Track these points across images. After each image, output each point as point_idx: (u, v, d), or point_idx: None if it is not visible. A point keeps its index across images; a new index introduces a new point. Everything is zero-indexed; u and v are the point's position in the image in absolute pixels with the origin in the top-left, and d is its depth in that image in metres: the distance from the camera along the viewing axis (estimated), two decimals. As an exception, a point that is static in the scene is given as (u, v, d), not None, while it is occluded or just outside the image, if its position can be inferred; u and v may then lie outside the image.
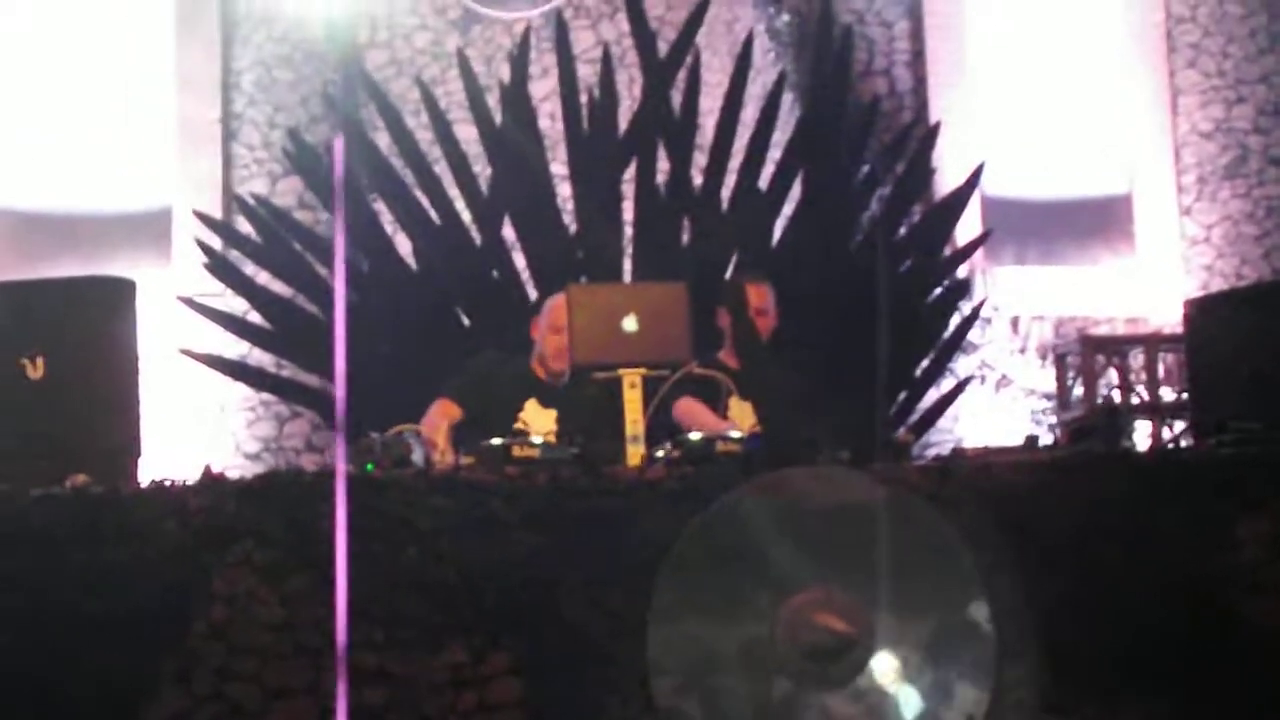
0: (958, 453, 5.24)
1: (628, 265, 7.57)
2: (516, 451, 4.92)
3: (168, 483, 4.77)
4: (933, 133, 8.14)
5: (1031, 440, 5.38)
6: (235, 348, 8.17)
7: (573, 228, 7.74)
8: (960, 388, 7.95)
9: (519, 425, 5.75)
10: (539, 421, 5.99)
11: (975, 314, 8.04)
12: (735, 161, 7.75)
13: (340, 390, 4.67)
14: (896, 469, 4.95)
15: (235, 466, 7.85)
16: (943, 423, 8.13)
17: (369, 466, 4.90)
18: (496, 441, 5.00)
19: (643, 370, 5.32)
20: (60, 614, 4.55)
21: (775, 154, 7.87)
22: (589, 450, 4.94)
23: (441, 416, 6.00)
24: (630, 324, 5.34)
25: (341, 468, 4.39)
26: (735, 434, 5.13)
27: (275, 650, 4.58)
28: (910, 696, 4.62)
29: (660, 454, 5.08)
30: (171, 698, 4.56)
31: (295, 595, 4.57)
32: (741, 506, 4.67)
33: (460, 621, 4.63)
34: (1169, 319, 8.74)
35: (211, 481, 4.77)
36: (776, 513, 4.68)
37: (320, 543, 4.55)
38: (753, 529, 4.66)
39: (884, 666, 4.62)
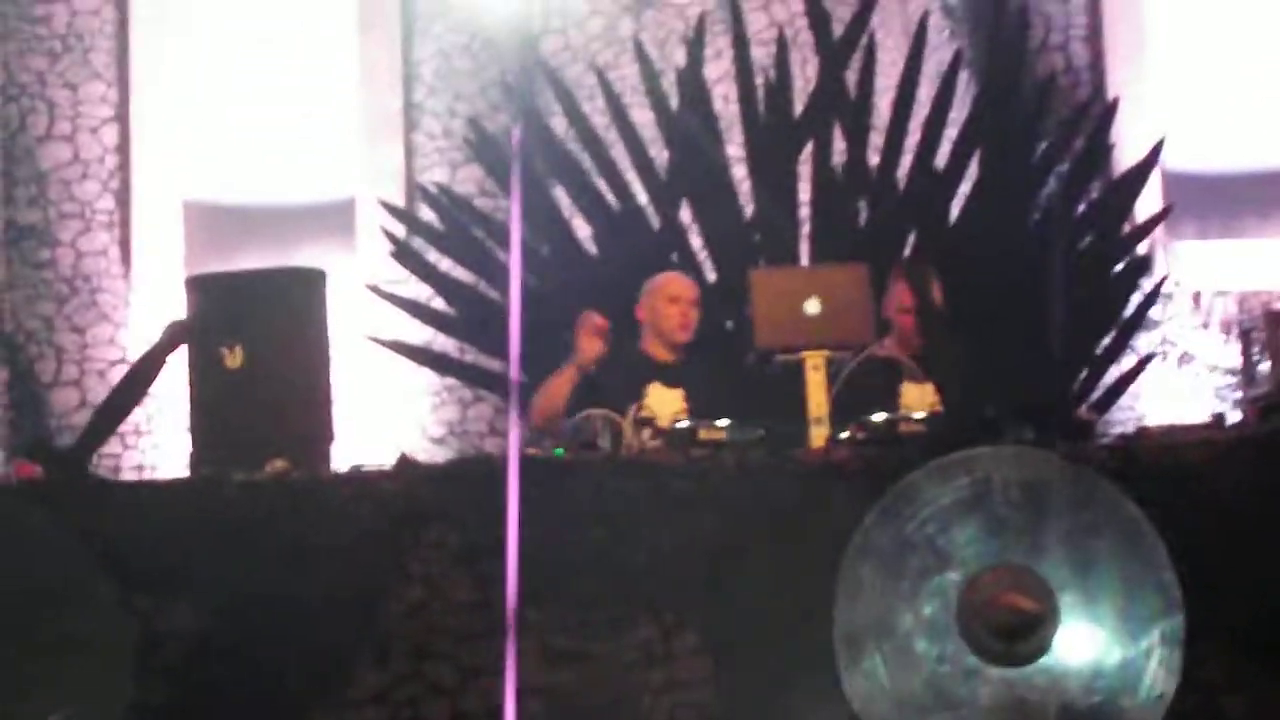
0: (1142, 431, 5.22)
1: (804, 248, 7.59)
2: (703, 434, 4.99)
3: (364, 468, 4.91)
4: (1111, 108, 8.07)
5: (1218, 417, 5.35)
6: (419, 334, 8.31)
7: (749, 211, 7.78)
8: (1142, 365, 7.88)
9: (645, 412, 5.52)
10: (665, 404, 5.81)
11: (1157, 290, 7.96)
12: (911, 141, 7.75)
13: (515, 371, 4.78)
14: (1081, 448, 4.94)
15: (421, 451, 7.98)
16: (1124, 401, 8.06)
17: (558, 451, 5.00)
18: (683, 424, 5.08)
19: (826, 352, 5.36)
20: (262, 596, 4.71)
21: (951, 133, 7.86)
22: (774, 432, 5.00)
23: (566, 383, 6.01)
24: (812, 306, 5.39)
25: (515, 449, 4.50)
26: (919, 414, 5.16)
27: (469, 630, 4.70)
28: (1098, 675, 4.64)
29: (844, 435, 5.11)
30: (370, 677, 4.71)
31: (488, 576, 4.67)
32: (926, 487, 4.72)
33: (649, 601, 4.72)
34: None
35: (405, 466, 4.90)
36: (961, 492, 4.72)
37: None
38: (938, 509, 4.71)
39: (1070, 645, 4.65)
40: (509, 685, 4.35)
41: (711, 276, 7.62)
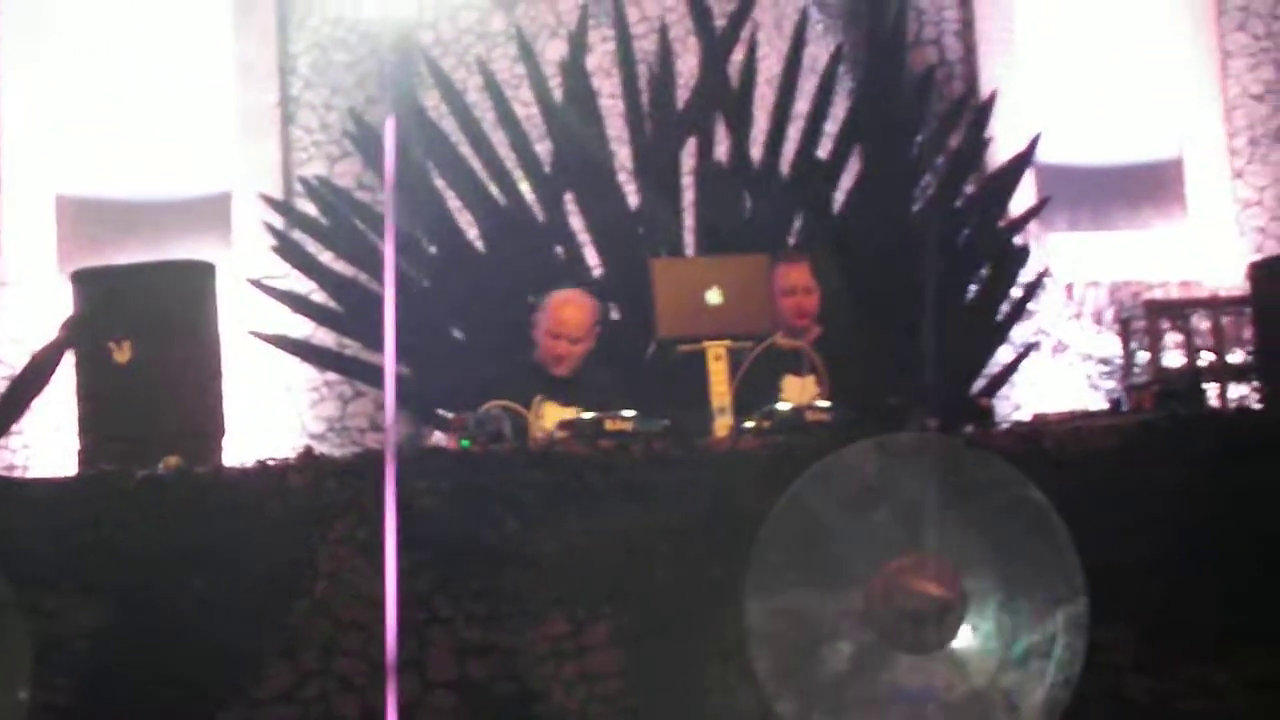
0: (1043, 417, 5.29)
1: (689, 240, 7.60)
2: (609, 425, 4.97)
3: (270, 462, 4.84)
4: (988, 103, 8.15)
5: (1114, 404, 5.43)
6: (299, 330, 8.22)
7: (633, 203, 7.77)
8: (1023, 355, 7.98)
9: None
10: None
11: (1036, 282, 8.06)
12: (791, 134, 7.78)
13: (390, 364, 4.74)
14: (984, 434, 5.00)
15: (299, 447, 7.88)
16: (1001, 391, 8.16)
17: (464, 443, 4.96)
18: (588, 415, 5.06)
19: (728, 342, 5.37)
20: (168, 592, 4.64)
21: (830, 127, 7.91)
22: (680, 422, 5.00)
23: None
24: (714, 296, 5.40)
25: (391, 441, 4.47)
26: (824, 403, 5.19)
27: (380, 625, 4.64)
28: (1005, 660, 4.69)
29: (749, 425, 5.12)
30: (278, 672, 4.64)
31: (398, 570, 4.62)
32: (833, 475, 4.73)
33: (560, 594, 4.70)
34: (1223, 282, 8.76)
35: (311, 460, 4.84)
36: (868, 480, 4.74)
37: (420, 518, 4.63)
38: (845, 497, 4.73)
39: (978, 630, 4.69)
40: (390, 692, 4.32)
41: (598, 270, 7.61)
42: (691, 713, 4.66)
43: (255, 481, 4.74)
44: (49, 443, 8.10)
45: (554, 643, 4.69)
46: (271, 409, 8.65)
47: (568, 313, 6.11)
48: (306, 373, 8.65)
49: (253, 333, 7.74)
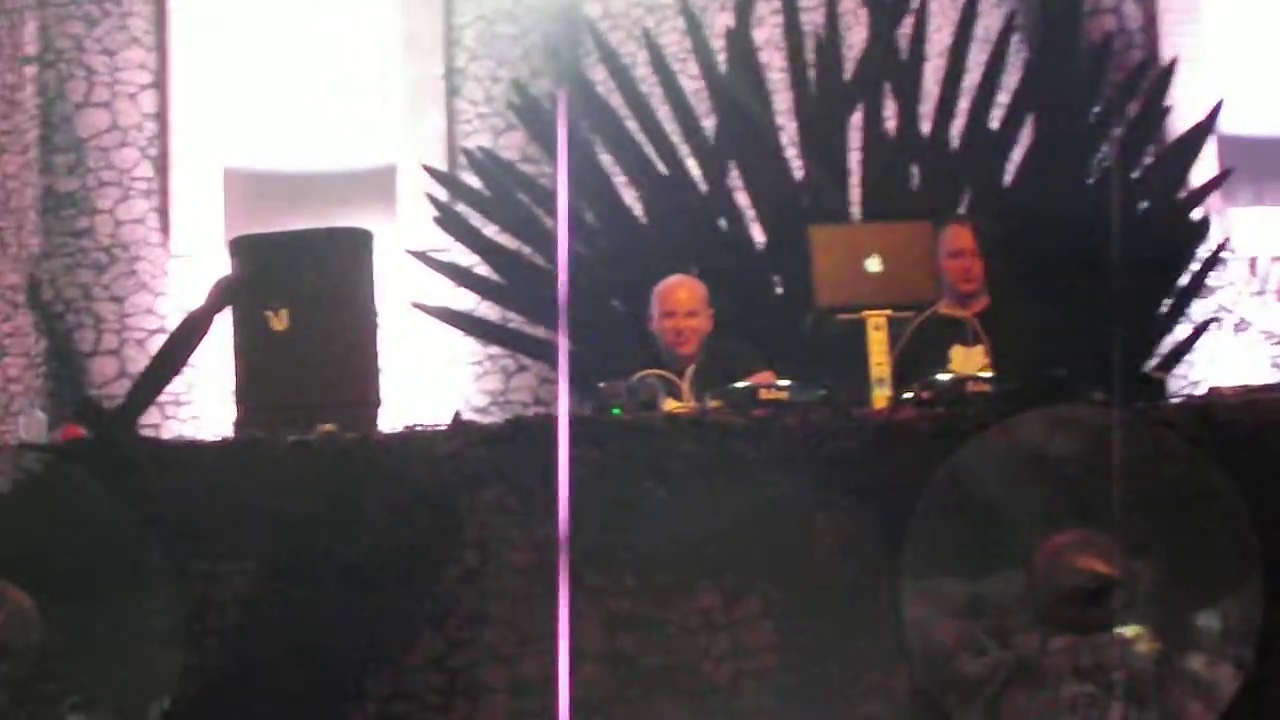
0: (1216, 391, 5.07)
1: (855, 212, 7.46)
2: (763, 394, 4.85)
3: (419, 428, 4.78)
4: (1168, 71, 7.92)
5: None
6: (462, 302, 8.21)
7: (799, 174, 7.65)
8: (1201, 330, 7.74)
9: None
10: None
11: (1215, 256, 7.81)
12: (962, 106, 7.62)
13: (563, 335, 4.65)
14: (1154, 407, 4.80)
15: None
16: (1179, 370, 7.92)
17: (615, 410, 4.87)
18: (742, 384, 4.94)
19: (888, 312, 5.23)
20: (316, 560, 4.60)
21: (1002, 98, 7.73)
22: (835, 393, 4.86)
23: None
24: (874, 264, 5.26)
25: (564, 409, 4.38)
26: (987, 374, 5.02)
27: (527, 594, 4.58)
28: (1173, 642, 4.51)
29: (908, 396, 4.97)
30: (427, 641, 4.58)
31: (546, 539, 4.55)
32: (994, 448, 4.58)
33: (712, 565, 4.59)
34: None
35: (461, 427, 4.78)
36: (1031, 453, 4.59)
37: (569, 487, 4.54)
38: (1006, 471, 4.57)
39: (1145, 610, 4.52)
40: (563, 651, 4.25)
41: (761, 241, 7.51)
42: (845, 691, 4.53)
43: (404, 448, 4.69)
44: (216, 413, 8.16)
45: (705, 615, 4.58)
46: (435, 383, 8.64)
47: (679, 293, 6.06)
48: (470, 346, 8.64)
49: (415, 304, 7.73)
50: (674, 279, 6.18)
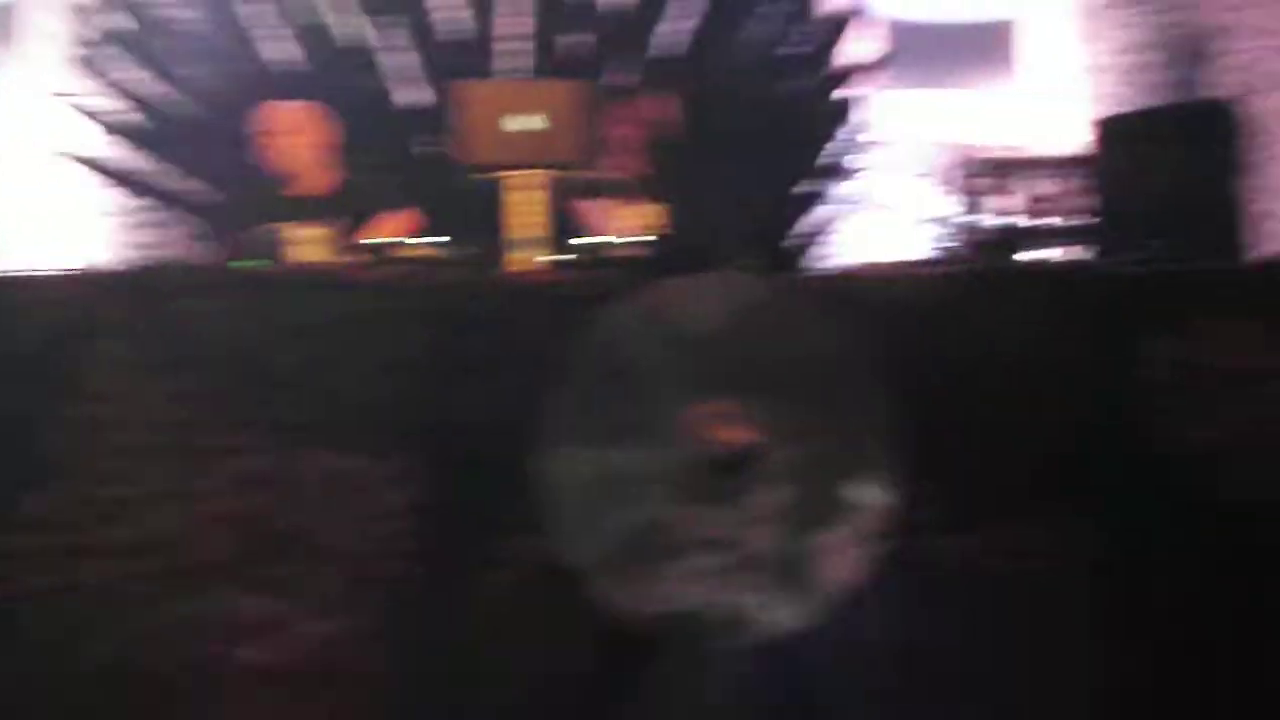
0: (860, 267, 5.09)
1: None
2: (404, 251, 4.69)
3: (33, 272, 4.49)
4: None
5: (935, 256, 5.25)
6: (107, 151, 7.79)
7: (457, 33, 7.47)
8: (845, 209, 7.82)
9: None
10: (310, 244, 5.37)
11: (858, 136, 7.89)
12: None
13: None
14: (795, 280, 4.79)
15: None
16: (823, 250, 7.99)
17: (246, 263, 4.66)
18: (380, 240, 4.77)
19: (540, 172, 5.09)
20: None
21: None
22: (484, 250, 4.73)
23: None
24: (524, 123, 5.10)
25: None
26: (635, 238, 4.94)
27: (151, 450, 4.35)
28: (809, 513, 4.52)
29: (557, 257, 4.87)
30: (48, 496, 4.33)
31: (174, 395, 4.33)
32: (633, 315, 4.50)
33: (351, 424, 4.43)
34: (1055, 148, 8.59)
35: (82, 273, 4.51)
36: (669, 321, 4.52)
37: (200, 342, 4.34)
38: (644, 338, 4.50)
39: (785, 479, 4.51)
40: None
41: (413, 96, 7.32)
42: (475, 559, 4.43)
43: (16, 291, 4.39)
44: None
45: (342, 475, 4.42)
46: (85, 237, 8.22)
47: (277, 117, 5.84)
48: (121, 199, 8.22)
49: (64, 153, 7.33)
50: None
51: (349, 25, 7.39)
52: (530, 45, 7.34)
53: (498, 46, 7.33)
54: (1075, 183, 5.95)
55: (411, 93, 7.34)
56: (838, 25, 7.86)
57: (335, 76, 7.22)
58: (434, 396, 4.45)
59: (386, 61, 7.40)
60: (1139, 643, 4.54)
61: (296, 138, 5.88)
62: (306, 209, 5.58)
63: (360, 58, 7.31)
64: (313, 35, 7.30)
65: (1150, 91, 8.76)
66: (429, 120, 7.01)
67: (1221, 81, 8.89)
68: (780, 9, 7.78)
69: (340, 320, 4.43)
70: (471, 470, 4.45)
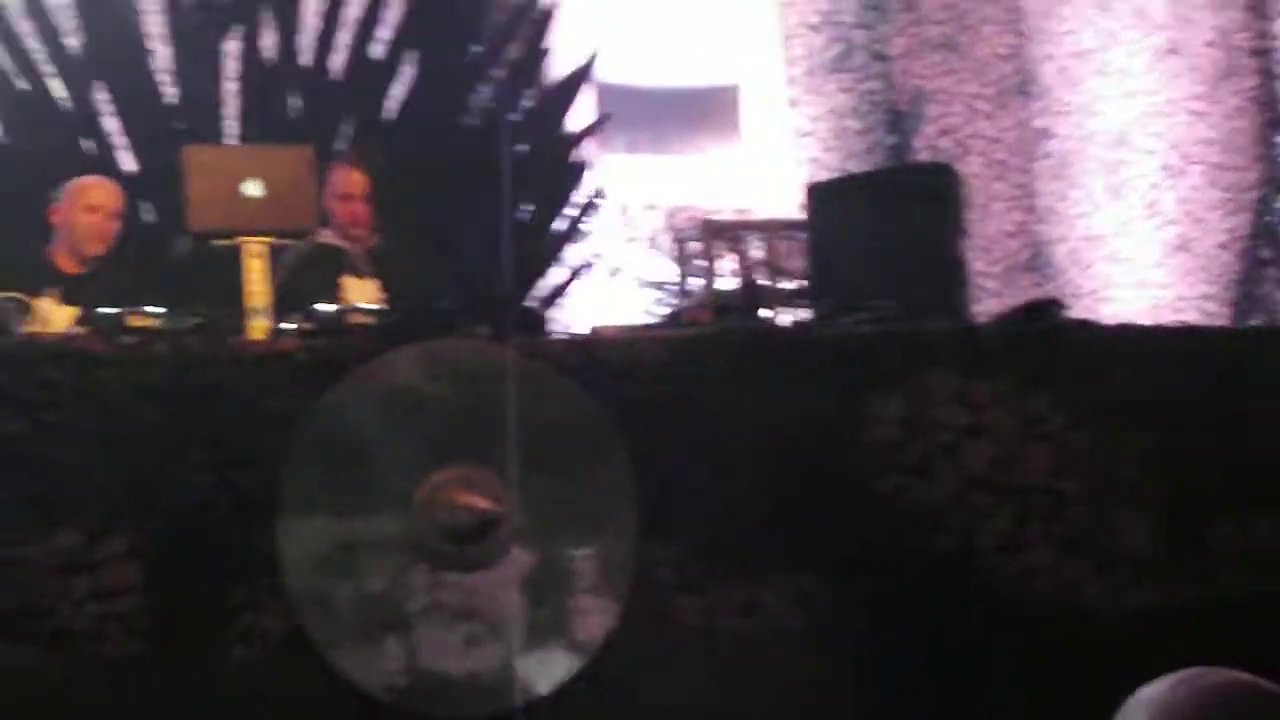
0: (598, 330, 5.09)
1: (234, 141, 7.19)
2: (133, 320, 4.56)
3: None
4: (548, 14, 7.96)
5: (673, 318, 5.28)
6: None
7: (172, 97, 7.32)
8: (578, 273, 7.84)
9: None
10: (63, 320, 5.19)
11: (591, 202, 7.93)
12: (345, 38, 7.49)
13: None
14: (536, 343, 4.77)
15: None
16: (557, 312, 8.00)
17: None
18: (110, 310, 4.63)
19: (268, 239, 5.00)
20: None
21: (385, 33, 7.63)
22: (212, 321, 4.61)
23: None
24: (254, 188, 5.01)
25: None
26: (371, 306, 4.88)
27: None
28: (553, 576, 4.48)
29: (289, 326, 4.77)
30: None
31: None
32: (369, 383, 4.43)
33: (74, 501, 4.27)
34: (776, 211, 8.73)
35: None
36: (407, 388, 4.47)
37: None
38: (382, 406, 4.43)
39: (526, 545, 4.47)
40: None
41: (132, 166, 7.14)
42: (216, 635, 4.30)
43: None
44: None
45: (65, 555, 4.26)
46: None
47: (97, 193, 5.90)
48: None
49: None
50: (94, 179, 6.10)
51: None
52: (247, 110, 7.23)
53: (219, 111, 7.22)
54: (792, 245, 6.07)
55: (135, 159, 7.18)
56: (568, 89, 7.89)
57: (52, 145, 7.03)
58: (165, 469, 4.32)
59: (107, 127, 7.24)
60: (870, 692, 4.60)
61: (113, 207, 5.78)
62: (72, 291, 5.43)
63: (77, 124, 7.12)
64: (26, 104, 7.10)
65: (862, 155, 8.97)
66: (153, 186, 6.85)
67: (932, 145, 9.15)
68: (509, 73, 7.79)
69: (69, 392, 4.29)
70: (203, 544, 4.33)
